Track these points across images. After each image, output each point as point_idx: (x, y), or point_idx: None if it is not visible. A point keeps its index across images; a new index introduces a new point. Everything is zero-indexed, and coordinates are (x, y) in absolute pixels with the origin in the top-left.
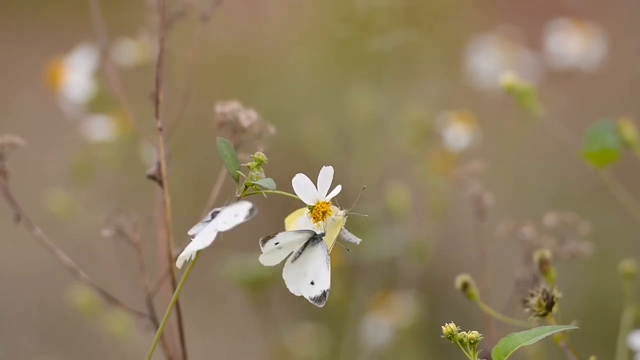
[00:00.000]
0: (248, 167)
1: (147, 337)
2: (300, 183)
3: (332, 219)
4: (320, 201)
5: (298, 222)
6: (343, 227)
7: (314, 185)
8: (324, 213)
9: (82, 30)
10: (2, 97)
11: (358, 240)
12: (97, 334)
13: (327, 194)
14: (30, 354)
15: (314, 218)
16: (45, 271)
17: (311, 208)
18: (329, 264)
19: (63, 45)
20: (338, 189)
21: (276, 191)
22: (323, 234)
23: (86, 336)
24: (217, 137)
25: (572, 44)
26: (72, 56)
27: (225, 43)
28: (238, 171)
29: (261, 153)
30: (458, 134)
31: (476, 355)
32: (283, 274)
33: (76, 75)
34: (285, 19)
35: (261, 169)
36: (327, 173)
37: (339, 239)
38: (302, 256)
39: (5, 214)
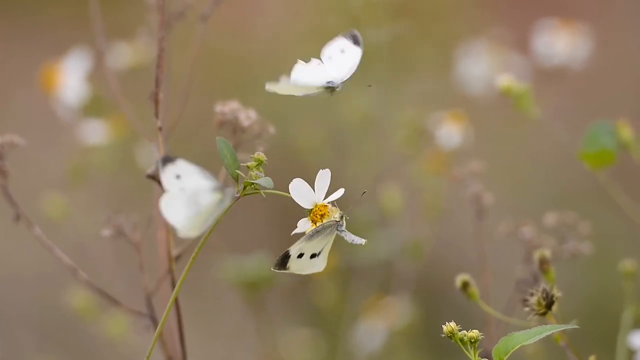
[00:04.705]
0: (247, 166)
1: (146, 338)
2: (298, 187)
3: None
4: (318, 204)
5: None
6: (345, 230)
7: (311, 189)
8: (322, 216)
9: (80, 30)
10: (0, 97)
11: (362, 241)
12: (97, 335)
13: (325, 197)
14: (30, 354)
15: (312, 221)
16: (44, 272)
17: (309, 211)
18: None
19: (61, 45)
20: (340, 192)
21: (274, 190)
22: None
23: (85, 336)
24: (217, 137)
25: (560, 43)
26: (67, 59)
27: (223, 43)
28: (237, 171)
29: (261, 153)
30: (450, 133)
31: (476, 355)
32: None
33: (70, 78)
34: (284, 19)
35: (261, 168)
36: (323, 176)
37: (342, 240)
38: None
39: (4, 214)
